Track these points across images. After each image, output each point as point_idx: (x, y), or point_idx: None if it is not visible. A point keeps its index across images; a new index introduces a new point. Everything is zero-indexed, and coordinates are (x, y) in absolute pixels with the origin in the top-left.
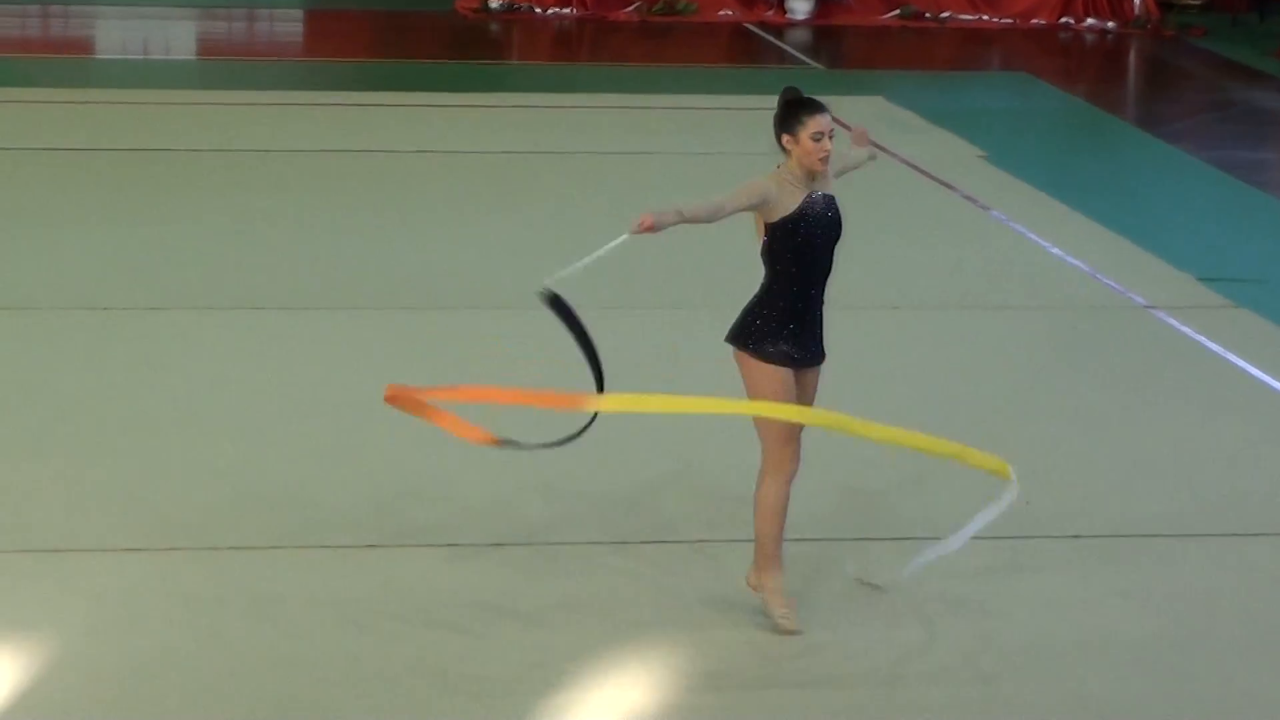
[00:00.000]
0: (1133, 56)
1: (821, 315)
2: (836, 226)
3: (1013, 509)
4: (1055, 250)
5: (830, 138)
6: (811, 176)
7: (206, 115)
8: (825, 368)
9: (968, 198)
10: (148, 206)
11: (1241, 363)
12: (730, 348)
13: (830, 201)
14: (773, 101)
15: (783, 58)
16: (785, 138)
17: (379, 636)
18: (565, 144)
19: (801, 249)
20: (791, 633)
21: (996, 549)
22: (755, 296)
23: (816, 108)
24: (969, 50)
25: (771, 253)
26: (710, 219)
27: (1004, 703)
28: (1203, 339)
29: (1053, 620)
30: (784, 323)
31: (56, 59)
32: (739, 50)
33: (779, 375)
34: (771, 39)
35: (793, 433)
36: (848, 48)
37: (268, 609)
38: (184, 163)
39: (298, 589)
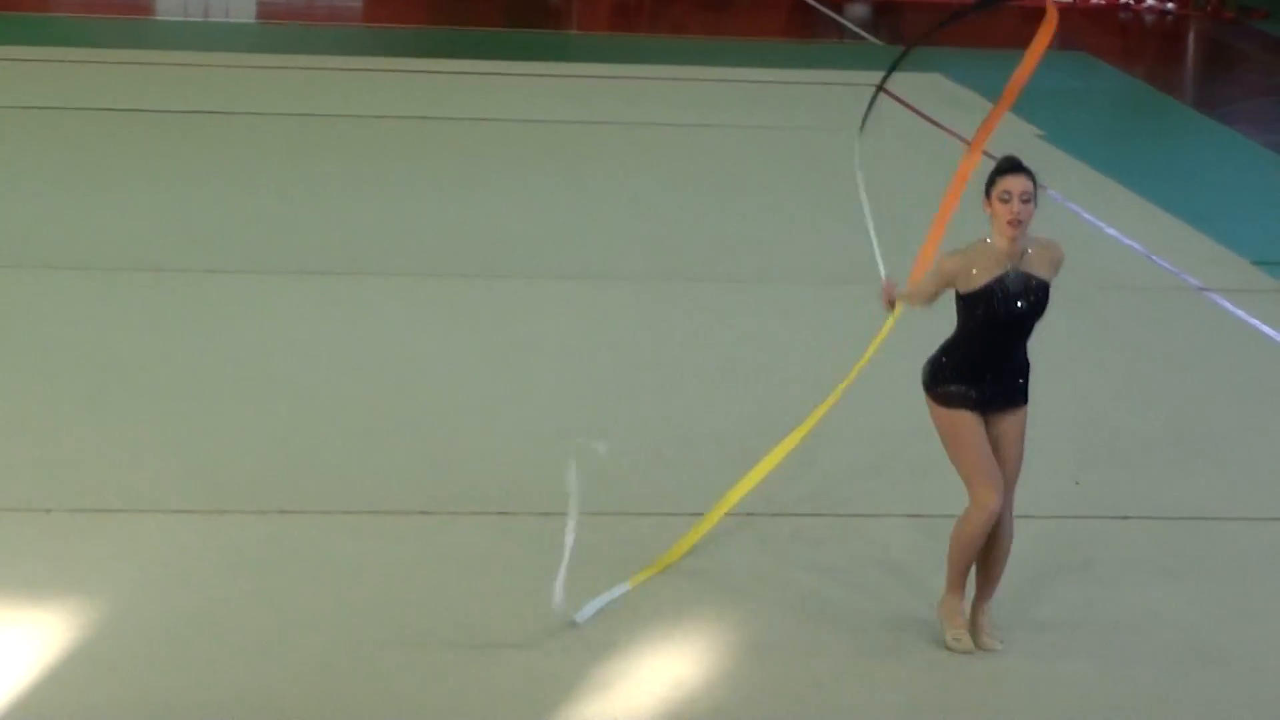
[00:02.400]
0: (1192, 38)
1: (1021, 363)
2: (1032, 308)
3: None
4: (1110, 230)
5: (1023, 201)
6: (1009, 250)
7: (265, 79)
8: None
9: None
10: (205, 169)
11: None
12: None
13: (1025, 280)
14: (828, 76)
15: (841, 33)
16: (985, 203)
17: (426, 601)
18: (622, 114)
19: (989, 320)
20: (963, 651)
21: (1044, 528)
22: (947, 339)
23: (1014, 169)
24: (1029, 29)
25: (959, 312)
26: (924, 304)
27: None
28: (1256, 322)
29: (1096, 595)
30: (966, 369)
31: (118, 20)
32: (797, 24)
33: (959, 418)
34: (830, 14)
35: (981, 467)
36: (906, 24)
37: (316, 572)
38: (242, 126)
39: (347, 553)
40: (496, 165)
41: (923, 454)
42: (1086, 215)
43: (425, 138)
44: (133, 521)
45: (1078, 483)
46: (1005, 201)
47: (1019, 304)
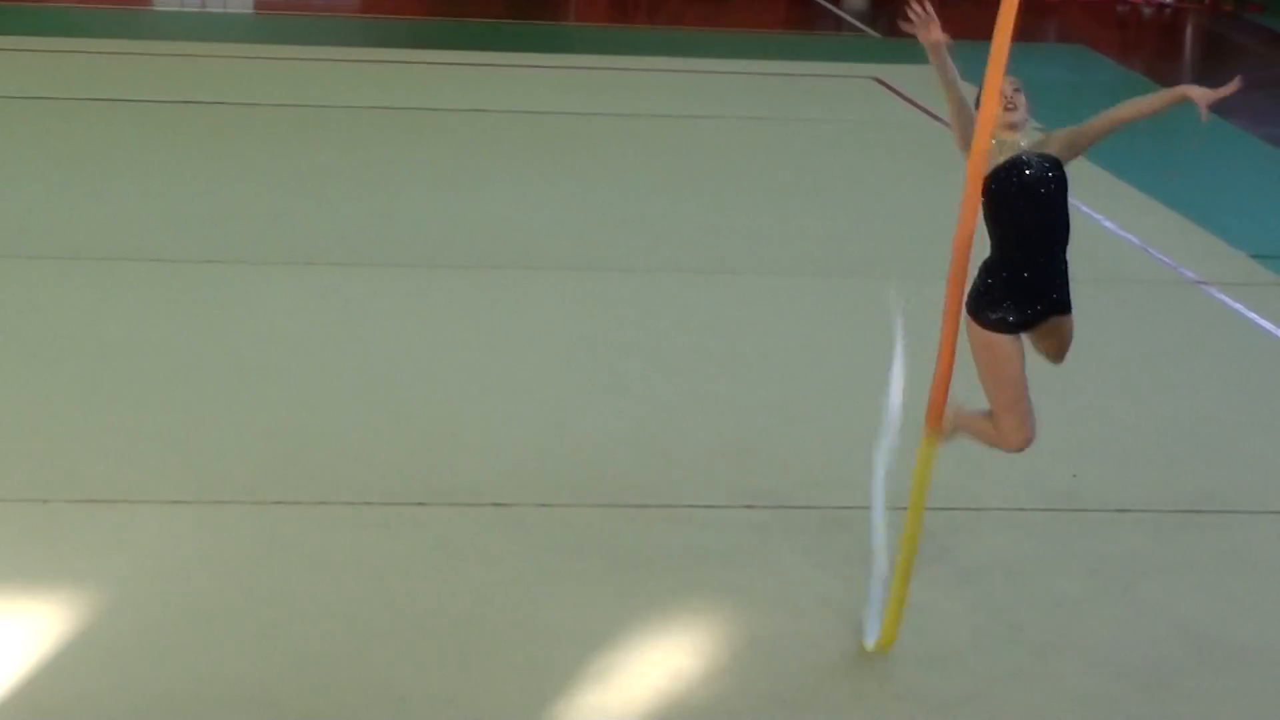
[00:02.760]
0: (1189, 31)
1: (1064, 272)
2: (1055, 183)
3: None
4: (1108, 223)
5: (1014, 90)
6: (1015, 139)
7: (263, 70)
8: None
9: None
10: (202, 159)
11: None
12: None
13: (1041, 158)
14: (825, 68)
15: (839, 25)
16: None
17: (423, 593)
18: (620, 106)
19: (1022, 195)
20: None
21: (1040, 520)
22: (986, 260)
23: None
24: (1026, 21)
25: (991, 216)
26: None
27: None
28: (1254, 315)
29: (1095, 589)
30: (1015, 284)
31: (115, 10)
32: (796, 17)
33: (1001, 345)
34: (828, 5)
35: (1017, 404)
36: (903, 15)
37: (312, 563)
38: (239, 117)
39: (343, 545)
40: (494, 157)
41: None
42: (1084, 208)
43: (422, 129)
44: (128, 512)
45: (1074, 475)
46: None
47: (1042, 175)
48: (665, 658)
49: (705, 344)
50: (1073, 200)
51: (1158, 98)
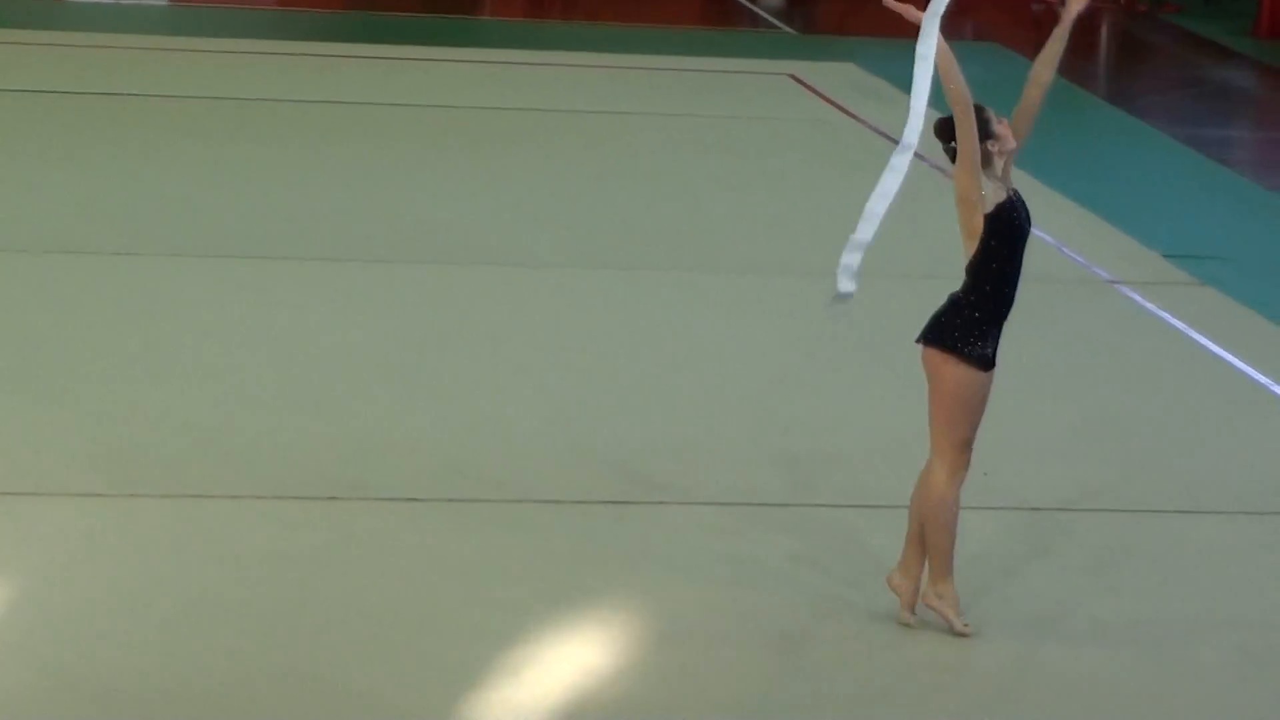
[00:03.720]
0: (1105, 31)
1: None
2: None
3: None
4: None
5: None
6: (1004, 178)
7: (179, 61)
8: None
9: (936, 168)
10: (119, 151)
11: (1204, 340)
12: None
13: (1020, 196)
14: (742, 65)
15: (755, 21)
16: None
17: (336, 587)
18: (536, 101)
19: (1015, 238)
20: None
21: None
22: (963, 295)
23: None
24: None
25: (985, 251)
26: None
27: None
28: (1166, 315)
29: (1010, 590)
30: (999, 318)
31: (29, 0)
32: (712, 13)
33: (982, 382)
34: (744, 2)
35: (972, 438)
36: (820, 13)
37: (225, 557)
38: (155, 109)
39: (256, 539)
40: (411, 151)
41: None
42: None
43: (339, 122)
44: (40, 505)
45: (985, 474)
46: (1000, 138)
47: (1027, 214)
48: (578, 652)
49: (624, 340)
50: None
51: (1055, 40)
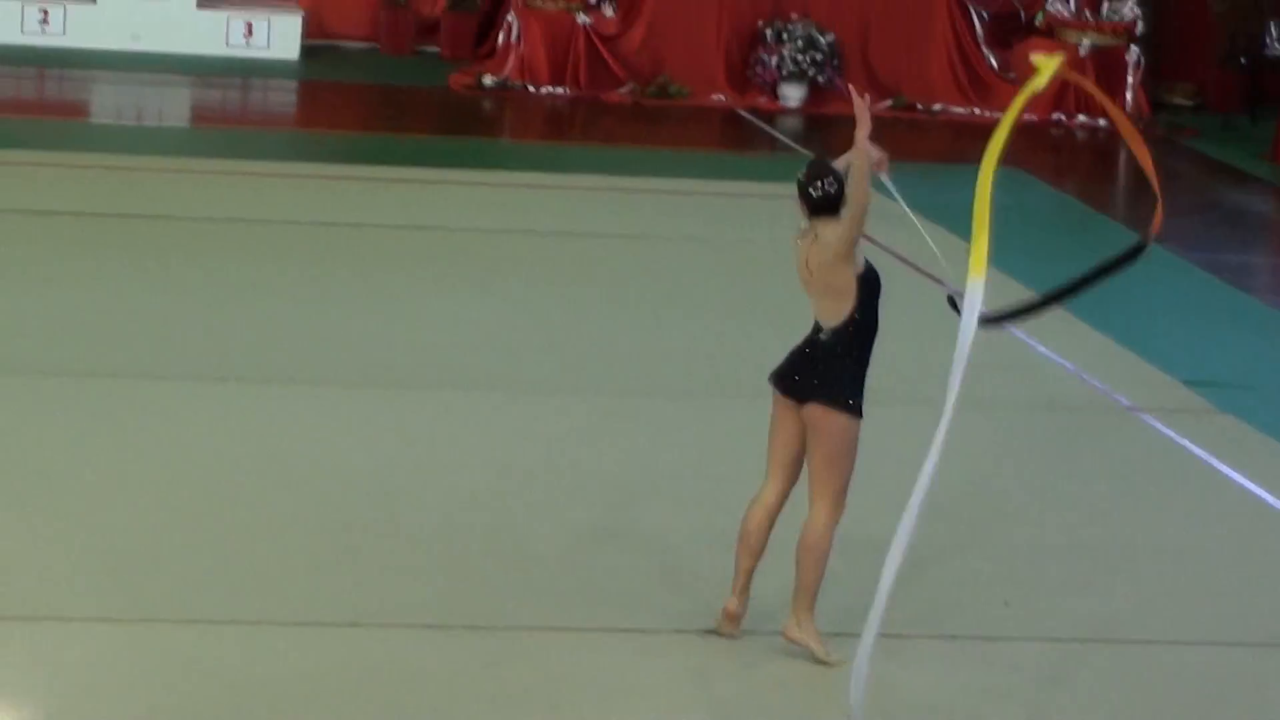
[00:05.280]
0: (1123, 155)
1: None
2: None
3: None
4: (1041, 348)
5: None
6: None
7: (197, 182)
8: None
9: (954, 292)
10: (131, 274)
11: (1224, 468)
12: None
13: None
14: (763, 189)
15: (774, 144)
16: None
17: (353, 714)
18: (555, 224)
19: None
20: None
21: (974, 649)
22: (848, 356)
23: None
24: (960, 143)
25: (864, 310)
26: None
27: None
28: (1186, 442)
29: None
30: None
31: (49, 121)
32: (731, 135)
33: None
34: (763, 125)
35: (850, 479)
36: (838, 135)
37: (225, 684)
38: (172, 230)
39: (258, 664)
40: (424, 273)
41: None
42: (1017, 333)
43: (353, 245)
44: (44, 630)
45: (1007, 603)
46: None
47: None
48: None
49: (641, 464)
50: (1005, 325)
51: (859, 175)
